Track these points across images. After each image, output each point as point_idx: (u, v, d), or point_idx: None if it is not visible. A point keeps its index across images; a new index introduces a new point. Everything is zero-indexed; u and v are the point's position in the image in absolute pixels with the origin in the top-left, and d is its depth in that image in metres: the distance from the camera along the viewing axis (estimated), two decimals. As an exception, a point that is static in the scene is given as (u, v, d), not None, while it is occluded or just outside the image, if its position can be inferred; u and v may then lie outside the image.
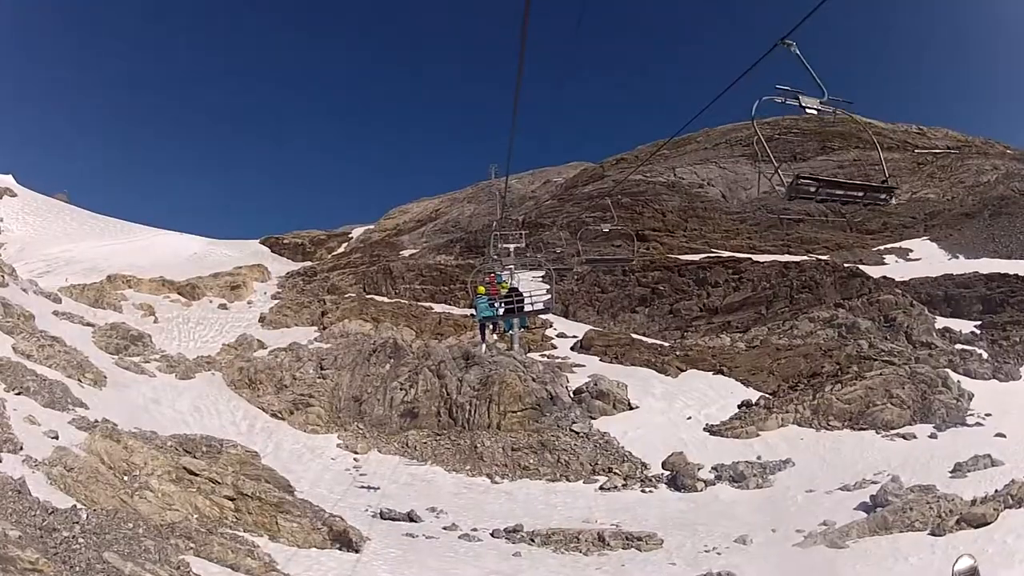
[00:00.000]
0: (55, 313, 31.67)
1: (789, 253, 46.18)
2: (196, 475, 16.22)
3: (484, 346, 30.48)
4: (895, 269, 43.30)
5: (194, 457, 18.20)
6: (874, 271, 40.83)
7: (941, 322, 34.74)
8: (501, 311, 22.65)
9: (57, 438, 18.35)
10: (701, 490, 21.46)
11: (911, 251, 47.64)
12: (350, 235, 72.76)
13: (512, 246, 34.75)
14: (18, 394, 20.36)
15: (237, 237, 68.98)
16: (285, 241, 68.98)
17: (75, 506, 13.34)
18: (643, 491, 21.97)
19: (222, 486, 15.79)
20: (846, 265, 40.39)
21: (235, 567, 12.90)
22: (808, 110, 8.87)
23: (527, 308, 21.89)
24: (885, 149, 63.02)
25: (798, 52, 8.38)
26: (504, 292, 24.11)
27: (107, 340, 30.86)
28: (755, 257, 43.84)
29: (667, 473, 23.03)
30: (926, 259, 45.61)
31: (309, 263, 61.62)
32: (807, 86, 8.86)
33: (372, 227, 74.81)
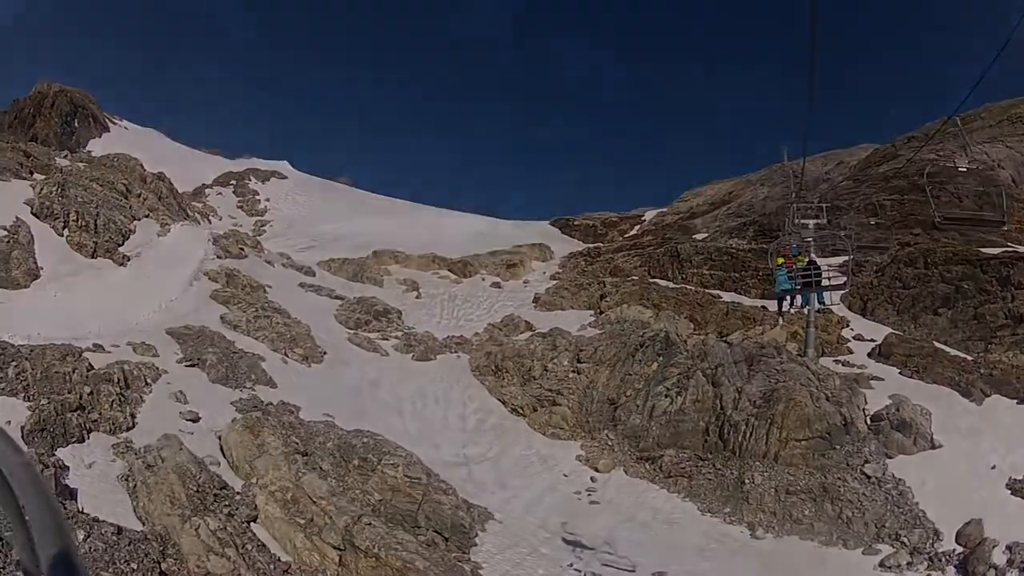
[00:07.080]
0: (301, 285, 30.09)
1: (1076, 255, 34.93)
2: (313, 502, 11.56)
3: (781, 320, 28.54)
4: None
5: (344, 470, 13.67)
6: None
7: None
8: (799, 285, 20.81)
9: (197, 420, 15.05)
10: (990, 584, 16.00)
11: None
12: (643, 218, 67.11)
13: (812, 221, 29.12)
14: (190, 365, 17.66)
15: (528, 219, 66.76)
16: (576, 223, 65.32)
17: (96, 519, 9.31)
18: (928, 576, 16.23)
19: (332, 529, 10.89)
20: None
21: None
22: None
23: (824, 283, 19.53)
24: None
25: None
26: (801, 265, 21.59)
27: (348, 314, 28.52)
28: (1055, 256, 34.60)
29: (959, 550, 17.00)
30: None
31: (595, 244, 57.23)
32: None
33: (665, 210, 68.59)
